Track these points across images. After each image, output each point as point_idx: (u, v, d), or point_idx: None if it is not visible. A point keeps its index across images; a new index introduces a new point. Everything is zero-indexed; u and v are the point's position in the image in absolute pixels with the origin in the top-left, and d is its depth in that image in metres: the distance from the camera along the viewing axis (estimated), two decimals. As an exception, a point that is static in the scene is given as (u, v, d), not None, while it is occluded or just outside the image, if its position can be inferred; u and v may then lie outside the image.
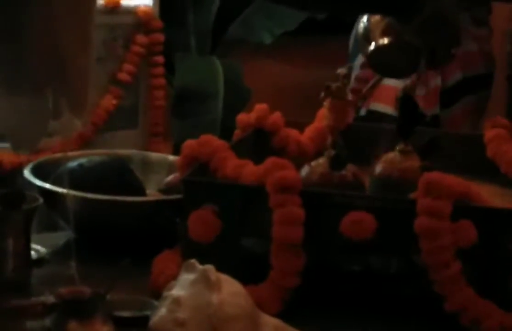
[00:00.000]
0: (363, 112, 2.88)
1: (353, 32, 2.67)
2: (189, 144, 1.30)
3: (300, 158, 1.44)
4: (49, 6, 0.96)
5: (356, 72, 2.92)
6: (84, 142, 2.40)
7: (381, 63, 1.35)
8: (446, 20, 1.27)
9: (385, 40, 1.31)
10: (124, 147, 1.78)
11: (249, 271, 1.16)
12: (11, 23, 0.96)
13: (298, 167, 1.32)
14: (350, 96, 1.43)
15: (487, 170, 1.44)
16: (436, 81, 2.67)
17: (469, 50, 2.71)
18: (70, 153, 1.58)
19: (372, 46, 1.33)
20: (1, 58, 0.97)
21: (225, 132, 1.58)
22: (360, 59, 2.86)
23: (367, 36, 1.34)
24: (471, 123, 2.62)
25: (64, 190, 1.34)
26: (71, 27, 0.98)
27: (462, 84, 2.72)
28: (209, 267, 0.96)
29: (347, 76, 1.38)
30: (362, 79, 2.87)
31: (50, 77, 1.00)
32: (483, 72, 2.77)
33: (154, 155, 1.64)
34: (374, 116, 2.43)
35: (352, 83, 2.95)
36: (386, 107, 2.46)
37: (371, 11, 1.26)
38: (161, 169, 1.56)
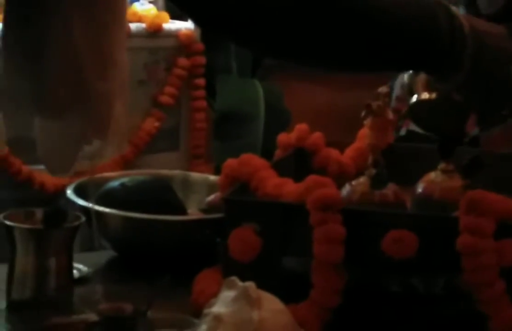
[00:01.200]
0: (403, 132, 2.86)
1: None
2: (230, 163, 1.30)
3: (341, 178, 1.44)
4: (70, 29, 0.97)
5: (396, 92, 2.91)
6: (126, 164, 2.42)
7: (422, 118, 1.29)
8: (492, 77, 1.18)
9: (427, 95, 1.25)
10: (166, 169, 1.78)
11: (289, 290, 1.16)
12: (34, 44, 0.97)
13: (339, 186, 1.32)
14: (391, 115, 1.42)
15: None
16: None
17: None
18: (112, 174, 1.59)
19: (414, 99, 1.27)
20: (27, 80, 0.99)
21: (266, 154, 1.58)
22: (400, 79, 2.84)
23: (411, 88, 1.28)
24: (510, 143, 2.59)
25: (106, 209, 1.35)
26: (91, 49, 0.98)
27: None
28: (250, 284, 0.96)
29: (388, 94, 1.38)
30: (402, 99, 2.85)
31: (72, 100, 1.00)
32: None
33: (195, 175, 1.65)
34: (414, 136, 2.41)
35: (393, 103, 2.94)
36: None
37: (394, 69, 1.21)
38: (202, 189, 1.57)
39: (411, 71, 1.27)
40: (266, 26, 1.03)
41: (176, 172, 1.65)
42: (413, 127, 2.76)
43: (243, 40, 1.11)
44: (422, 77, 1.25)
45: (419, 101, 1.26)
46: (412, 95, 1.27)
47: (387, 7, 1.08)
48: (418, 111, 1.27)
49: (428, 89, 1.24)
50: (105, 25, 1.00)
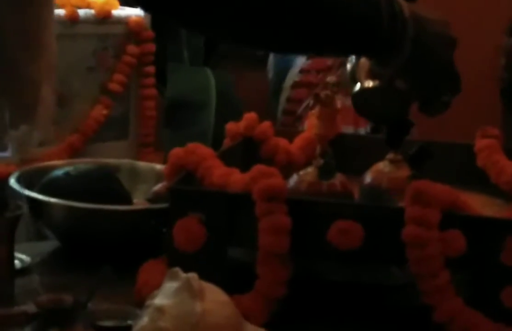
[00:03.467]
0: None
1: (271, 56, 2.66)
2: (176, 152, 1.28)
3: (290, 168, 1.43)
4: None
5: (286, 93, 2.87)
6: (74, 152, 2.39)
7: (365, 106, 1.27)
8: (432, 61, 1.18)
9: (370, 83, 1.23)
10: (114, 158, 1.76)
11: (235, 280, 1.14)
12: None
13: (288, 176, 1.31)
14: (339, 105, 1.42)
15: (478, 180, 1.43)
16: None
17: None
18: (57, 162, 1.57)
19: (357, 87, 1.25)
20: None
21: (217, 142, 1.57)
22: (289, 81, 2.81)
23: (354, 76, 1.26)
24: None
25: (50, 199, 1.32)
26: (17, 33, 0.96)
27: None
28: (193, 275, 0.94)
29: (337, 84, 1.37)
30: (295, 100, 2.82)
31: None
32: None
33: (142, 164, 1.63)
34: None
35: (284, 104, 2.91)
36: (346, 128, 2.45)
37: (338, 53, 1.19)
38: (149, 179, 1.55)
39: (353, 59, 1.26)
40: (212, 10, 1.01)
41: (124, 161, 1.62)
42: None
43: (190, 24, 1.09)
44: (364, 65, 1.24)
45: (361, 89, 1.24)
46: (355, 83, 1.26)
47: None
48: (361, 99, 1.25)
49: (370, 77, 1.23)
50: (32, 9, 0.97)
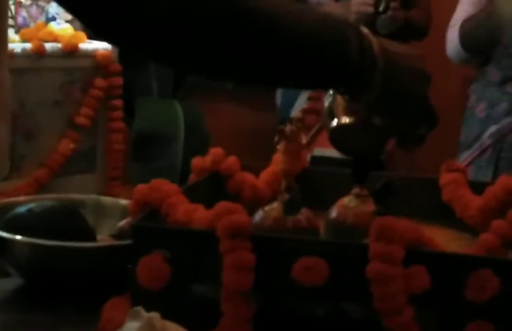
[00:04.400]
0: (307, 158, 2.87)
1: None
2: (140, 188, 1.27)
3: (256, 203, 1.42)
4: None
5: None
6: (40, 187, 2.37)
7: (343, 142, 1.27)
8: (406, 96, 1.17)
9: (347, 119, 1.23)
10: (82, 192, 1.75)
11: (200, 318, 1.14)
12: None
13: (254, 211, 1.30)
14: (304, 140, 1.41)
15: (443, 214, 1.43)
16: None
17: None
18: (21, 198, 1.55)
19: (334, 123, 1.25)
20: None
21: (185, 176, 1.56)
22: (298, 108, 2.85)
23: (331, 112, 1.26)
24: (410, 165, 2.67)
25: (14, 236, 1.31)
26: None
27: None
28: (154, 315, 0.94)
29: (301, 119, 1.37)
30: (304, 129, 2.86)
31: None
32: None
33: (108, 200, 1.62)
34: (319, 162, 2.43)
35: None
36: (331, 151, 2.46)
37: (306, 86, 1.19)
38: (115, 214, 1.54)
39: (331, 95, 1.26)
40: (170, 39, 1.00)
41: (89, 196, 1.61)
42: (318, 153, 2.78)
43: (155, 56, 1.08)
44: (341, 101, 1.24)
45: (338, 125, 1.25)
46: (332, 119, 1.26)
47: (299, 25, 1.07)
48: (338, 135, 1.26)
49: (348, 113, 1.23)
50: None
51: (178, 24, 0.96)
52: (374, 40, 1.13)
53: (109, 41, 1.01)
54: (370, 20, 2.62)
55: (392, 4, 2.67)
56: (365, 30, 1.13)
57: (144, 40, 0.97)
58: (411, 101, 1.18)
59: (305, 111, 2.82)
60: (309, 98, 2.72)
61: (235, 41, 1.02)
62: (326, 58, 1.10)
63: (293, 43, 1.07)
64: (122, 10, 0.93)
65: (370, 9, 2.63)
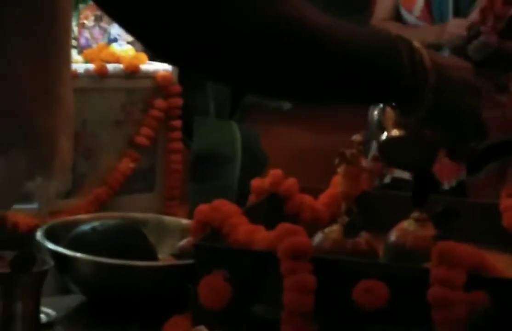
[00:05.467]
0: (388, 179, 2.87)
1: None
2: (201, 209, 1.29)
3: (315, 225, 1.43)
4: (13, 64, 0.96)
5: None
6: (101, 205, 2.41)
7: (393, 155, 1.27)
8: (457, 109, 1.17)
9: (397, 132, 1.24)
10: (141, 210, 1.77)
11: (259, 338, 1.15)
12: None
13: (313, 233, 1.31)
14: (364, 163, 1.42)
15: (503, 240, 1.42)
16: None
17: (493, 117, 2.71)
18: (84, 216, 1.58)
19: (384, 136, 1.26)
20: None
21: (242, 197, 1.58)
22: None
23: (381, 125, 1.26)
24: (495, 190, 2.63)
25: (76, 254, 1.33)
26: (34, 85, 0.97)
27: (487, 151, 2.72)
28: (217, 334, 0.95)
29: (362, 142, 1.38)
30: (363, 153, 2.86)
31: (15, 137, 0.99)
32: (505, 138, 2.77)
33: (169, 219, 1.64)
34: (399, 183, 2.43)
35: (375, 150, 2.96)
36: (404, 173, 2.45)
37: (359, 102, 1.20)
38: (175, 233, 1.56)
39: (381, 108, 1.26)
40: (229, 58, 1.01)
41: (150, 215, 1.63)
42: (398, 174, 2.78)
43: (215, 76, 1.09)
44: (391, 114, 1.24)
45: (388, 138, 1.25)
46: (382, 131, 1.26)
47: (350, 42, 1.07)
48: (388, 148, 1.26)
49: (398, 126, 1.24)
50: (49, 61, 0.99)
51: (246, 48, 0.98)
52: (425, 53, 1.13)
53: (168, 60, 1.02)
54: (462, 45, 2.61)
55: (483, 29, 2.65)
56: (416, 43, 1.14)
57: (211, 60, 0.99)
58: (463, 114, 1.18)
59: None
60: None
61: (296, 63, 1.03)
62: (379, 73, 1.10)
63: (346, 59, 1.07)
64: (197, 27, 0.94)
65: (464, 33, 2.62)
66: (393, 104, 1.17)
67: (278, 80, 1.06)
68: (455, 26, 2.66)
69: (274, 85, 1.08)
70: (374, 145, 2.92)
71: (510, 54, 2.64)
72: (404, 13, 2.89)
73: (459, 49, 2.65)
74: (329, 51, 1.05)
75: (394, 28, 2.63)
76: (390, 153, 1.27)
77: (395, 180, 2.69)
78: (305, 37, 1.02)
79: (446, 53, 2.70)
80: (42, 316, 1.25)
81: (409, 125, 1.21)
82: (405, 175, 2.50)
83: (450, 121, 1.17)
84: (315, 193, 1.54)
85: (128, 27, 0.97)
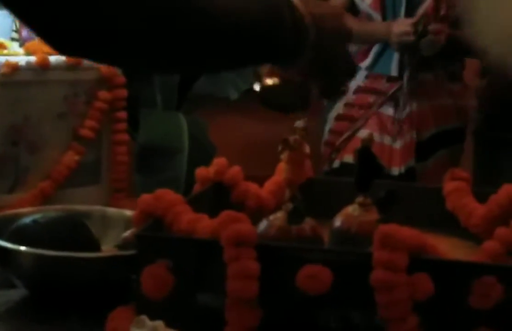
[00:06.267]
0: (336, 164, 2.88)
1: None
2: (144, 198, 1.28)
3: (260, 212, 1.42)
4: None
5: (330, 125, 2.93)
6: (45, 199, 2.37)
7: (271, 101, 1.38)
8: (332, 57, 1.26)
9: (270, 81, 1.34)
10: (86, 204, 1.75)
11: (204, 327, 1.14)
12: None
13: (258, 221, 1.31)
14: (308, 149, 1.42)
15: (447, 223, 1.43)
16: (412, 134, 2.69)
17: (444, 104, 2.73)
18: (26, 209, 1.55)
19: (258, 87, 1.36)
20: None
21: (190, 188, 1.56)
22: (334, 112, 2.87)
23: (257, 76, 1.36)
24: (443, 176, 2.66)
25: (18, 247, 1.31)
26: None
27: (436, 138, 2.74)
28: (159, 324, 0.94)
29: (305, 128, 1.38)
30: (336, 132, 2.88)
31: None
32: (456, 126, 2.80)
33: (112, 211, 1.62)
34: (348, 168, 2.44)
35: (326, 135, 2.97)
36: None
37: (239, 64, 1.26)
38: (119, 225, 1.54)
39: None
40: (120, 43, 1.01)
41: (94, 208, 1.62)
42: (347, 159, 2.79)
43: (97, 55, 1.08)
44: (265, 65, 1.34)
45: (263, 87, 1.35)
46: (259, 80, 1.36)
47: (234, 7, 1.11)
48: (266, 96, 1.37)
49: (272, 74, 1.34)
50: None
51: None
52: (304, 9, 1.19)
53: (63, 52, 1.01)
54: (413, 43, 2.63)
55: (431, 27, 2.67)
56: (295, 1, 1.19)
57: (101, 43, 0.98)
58: (336, 60, 1.26)
59: (339, 117, 2.84)
60: (345, 104, 2.73)
61: (180, 31, 1.04)
62: (263, 37, 1.15)
63: (233, 25, 1.11)
64: (75, 14, 0.94)
65: (411, 38, 2.65)
66: (272, 62, 1.26)
67: (171, 55, 1.08)
68: (399, 34, 2.68)
69: (169, 61, 1.10)
70: (326, 131, 2.93)
71: (463, 42, 2.67)
72: (357, 0, 2.90)
73: (409, 47, 2.67)
74: (216, 17, 1.07)
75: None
76: (266, 99, 1.38)
77: (344, 165, 2.70)
78: (192, 11, 1.04)
79: (394, 51, 2.71)
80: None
81: (282, 72, 1.32)
82: (353, 160, 2.51)
83: (326, 68, 1.26)
84: (261, 181, 1.53)
85: (23, 20, 0.97)
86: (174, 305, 1.14)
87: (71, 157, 2.42)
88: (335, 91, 1.35)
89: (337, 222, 1.34)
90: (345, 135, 2.74)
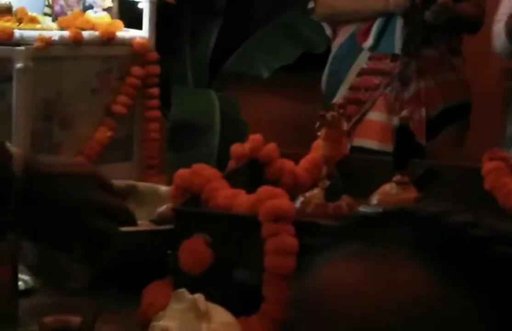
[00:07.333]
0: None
1: (326, 71, 2.68)
2: (181, 173, 1.27)
3: (296, 189, 1.42)
4: None
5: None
6: (78, 174, 2.38)
7: None
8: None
9: None
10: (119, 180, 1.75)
11: (241, 302, 1.13)
12: None
13: (293, 198, 1.30)
14: (345, 126, 1.41)
15: (485, 203, 1.41)
16: (421, 113, 2.67)
17: (448, 80, 2.71)
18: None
19: None
20: None
21: (221, 165, 1.56)
22: (338, 97, 2.85)
23: None
24: (453, 153, 2.63)
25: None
26: None
27: (444, 115, 2.72)
28: (199, 296, 0.93)
29: (343, 106, 1.37)
30: (344, 116, 2.85)
31: None
32: (462, 101, 2.77)
33: (146, 186, 1.62)
34: (358, 152, 2.42)
35: None
36: (370, 142, 2.45)
37: None
38: (152, 200, 1.54)
39: None
40: None
41: (127, 182, 1.61)
42: (357, 143, 2.77)
43: None
44: None
45: None
46: None
47: None
48: None
49: None
50: None
51: None
52: (17, 158, 0.93)
53: None
54: (416, 11, 2.59)
55: None
56: (13, 148, 0.94)
57: None
58: (61, 215, 0.94)
59: (346, 101, 2.81)
60: (350, 88, 2.72)
61: None
62: None
63: None
64: None
65: (407, 3, 2.61)
66: None
67: None
68: None
69: None
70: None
71: (463, 16, 2.64)
72: None
73: (412, 16, 2.63)
74: None
75: None
76: None
77: (354, 149, 2.68)
78: None
79: (398, 19, 2.67)
80: (21, 283, 1.23)
81: None
82: (365, 143, 2.49)
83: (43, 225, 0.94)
84: (296, 159, 1.52)
85: None
86: (211, 280, 1.13)
87: (103, 133, 2.42)
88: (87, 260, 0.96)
89: (374, 200, 1.33)
90: (353, 119, 2.72)
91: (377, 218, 0.55)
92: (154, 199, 1.54)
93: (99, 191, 0.96)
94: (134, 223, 1.39)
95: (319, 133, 1.38)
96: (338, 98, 2.70)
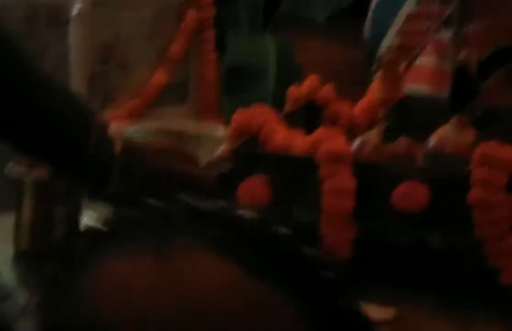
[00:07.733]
0: None
1: (369, 16, 2.65)
2: (238, 115, 1.28)
3: (352, 131, 1.42)
4: None
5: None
6: (135, 117, 2.40)
7: None
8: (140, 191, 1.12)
9: None
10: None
11: (300, 242, 1.14)
12: None
13: (350, 140, 1.30)
14: (402, 68, 1.40)
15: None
16: (472, 56, 2.64)
17: (500, 22, 2.67)
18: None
19: None
20: None
21: (276, 109, 1.56)
22: (386, 42, 2.81)
23: None
24: (503, 94, 2.60)
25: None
26: None
27: (494, 57, 2.68)
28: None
29: (401, 47, 1.36)
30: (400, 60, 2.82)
31: None
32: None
33: (202, 128, 1.63)
34: (410, 97, 2.40)
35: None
36: (421, 86, 2.43)
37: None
38: (209, 143, 1.55)
39: None
40: None
41: (184, 126, 1.63)
42: (407, 89, 2.75)
43: None
44: None
45: None
46: None
47: (57, 106, 1.08)
48: None
49: None
50: None
51: None
52: (116, 140, 1.11)
53: None
54: None
55: None
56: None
57: None
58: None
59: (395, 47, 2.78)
60: (398, 33, 2.69)
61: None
62: (65, 146, 1.09)
63: (49, 124, 1.08)
64: None
65: None
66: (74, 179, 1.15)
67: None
68: None
69: None
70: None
71: None
72: None
73: None
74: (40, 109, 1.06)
75: None
76: None
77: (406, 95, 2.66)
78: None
79: None
80: (86, 219, 1.25)
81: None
82: (414, 88, 2.47)
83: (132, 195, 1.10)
84: (352, 101, 1.52)
85: None
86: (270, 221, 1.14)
87: (159, 77, 2.44)
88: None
89: (432, 142, 1.32)
90: (402, 65, 2.69)
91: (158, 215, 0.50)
92: (210, 142, 1.55)
93: (181, 162, 1.16)
94: (217, 194, 1.41)
95: (376, 75, 1.38)
96: (384, 45, 2.68)
